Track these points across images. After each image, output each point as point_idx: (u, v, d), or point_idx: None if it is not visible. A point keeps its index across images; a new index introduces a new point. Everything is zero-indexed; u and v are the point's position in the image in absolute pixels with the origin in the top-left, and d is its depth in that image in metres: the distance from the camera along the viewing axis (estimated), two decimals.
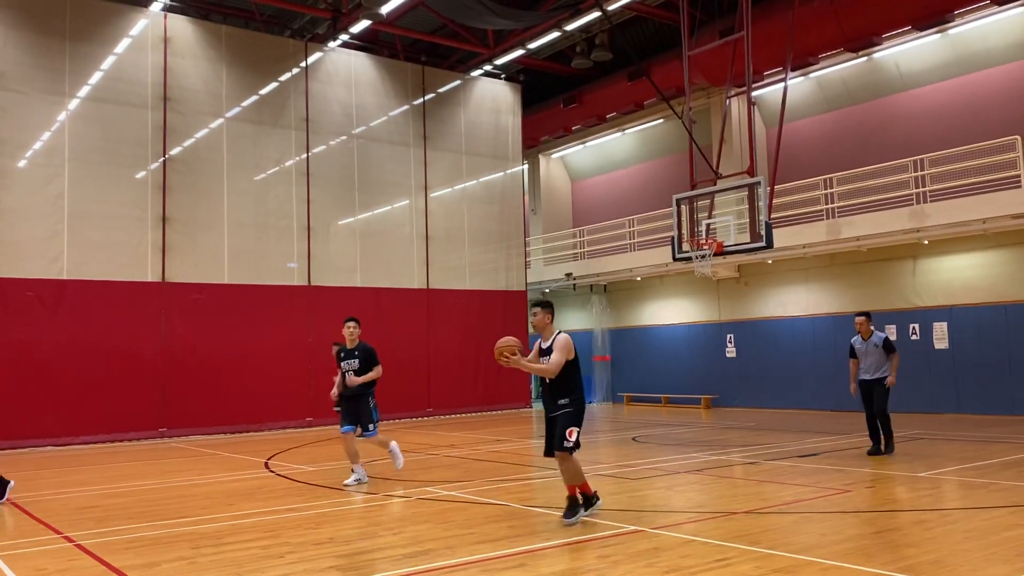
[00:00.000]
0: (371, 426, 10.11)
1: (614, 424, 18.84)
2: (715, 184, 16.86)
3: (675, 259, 17.12)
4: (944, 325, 18.55)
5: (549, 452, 7.66)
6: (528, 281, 24.95)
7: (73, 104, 17.46)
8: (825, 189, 20.18)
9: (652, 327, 25.27)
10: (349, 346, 10.13)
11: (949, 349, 18.44)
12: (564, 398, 7.57)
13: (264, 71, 19.97)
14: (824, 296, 20.85)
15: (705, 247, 16.30)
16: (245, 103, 19.66)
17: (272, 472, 11.92)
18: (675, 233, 16.76)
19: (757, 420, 18.46)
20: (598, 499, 7.75)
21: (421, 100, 22.56)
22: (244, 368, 18.78)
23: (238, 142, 19.43)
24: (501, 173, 24.16)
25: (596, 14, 20.17)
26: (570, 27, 21.21)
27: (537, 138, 27.69)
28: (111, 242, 17.53)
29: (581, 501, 7.55)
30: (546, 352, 7.59)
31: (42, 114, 17.11)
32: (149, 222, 18.03)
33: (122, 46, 18.05)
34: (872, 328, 11.96)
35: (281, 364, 19.11)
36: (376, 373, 10.01)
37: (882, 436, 11.74)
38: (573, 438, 7.45)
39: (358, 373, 9.96)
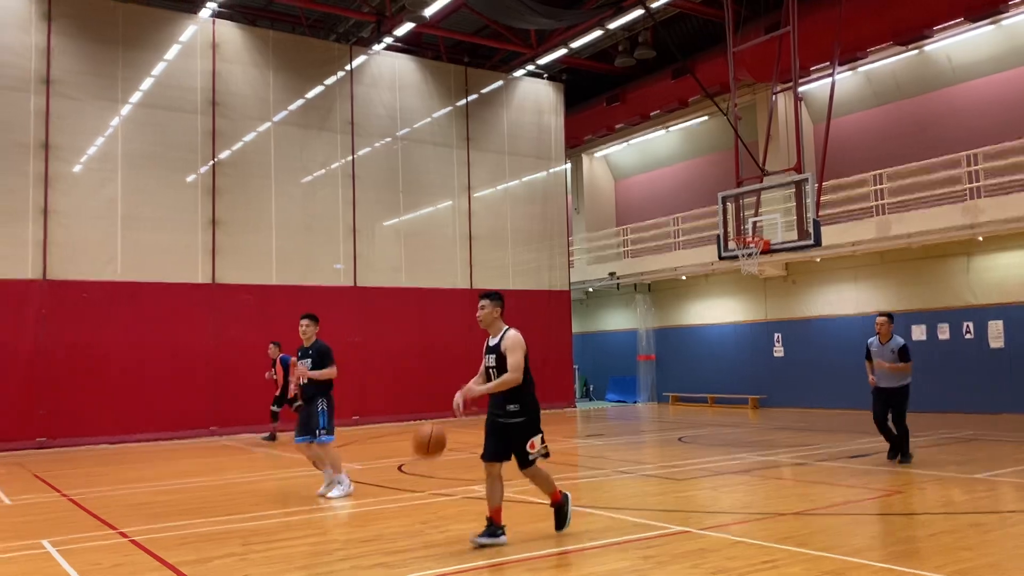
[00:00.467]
0: (319, 431, 9.20)
1: (659, 424, 18.72)
2: (761, 181, 16.64)
3: (721, 258, 16.93)
4: (999, 323, 18.07)
5: (489, 457, 6.72)
6: (571, 280, 24.91)
7: (125, 110, 17.88)
8: (875, 185, 19.80)
9: (697, 326, 25.04)
10: (305, 345, 9.50)
11: (1005, 348, 17.96)
12: (515, 403, 6.65)
13: (310, 75, 20.23)
14: (874, 294, 20.46)
15: (751, 245, 16.10)
16: (292, 107, 19.94)
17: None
18: (721, 231, 16.57)
19: (806, 420, 18.19)
20: (503, 534, 6.61)
21: (464, 101, 22.66)
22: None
23: (285, 145, 19.71)
24: (544, 173, 24.15)
25: (639, 12, 20.06)
26: (613, 25, 21.13)
27: (580, 137, 27.62)
28: (163, 244, 17.91)
29: (567, 506, 6.93)
30: (493, 350, 6.82)
31: (96, 120, 17.55)
32: (199, 224, 18.39)
33: (172, 52, 18.42)
34: (892, 332, 11.02)
35: None
36: (328, 372, 9.27)
37: (899, 446, 10.83)
38: (536, 450, 6.70)
39: None
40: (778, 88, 18.28)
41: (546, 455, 6.82)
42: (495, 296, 7.01)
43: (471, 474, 10.95)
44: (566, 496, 7.01)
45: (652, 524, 7.31)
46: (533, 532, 7.14)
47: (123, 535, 7.51)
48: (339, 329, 19.65)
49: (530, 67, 23.68)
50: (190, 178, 18.49)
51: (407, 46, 22.23)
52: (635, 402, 26.00)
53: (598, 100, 26.13)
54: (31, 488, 10.85)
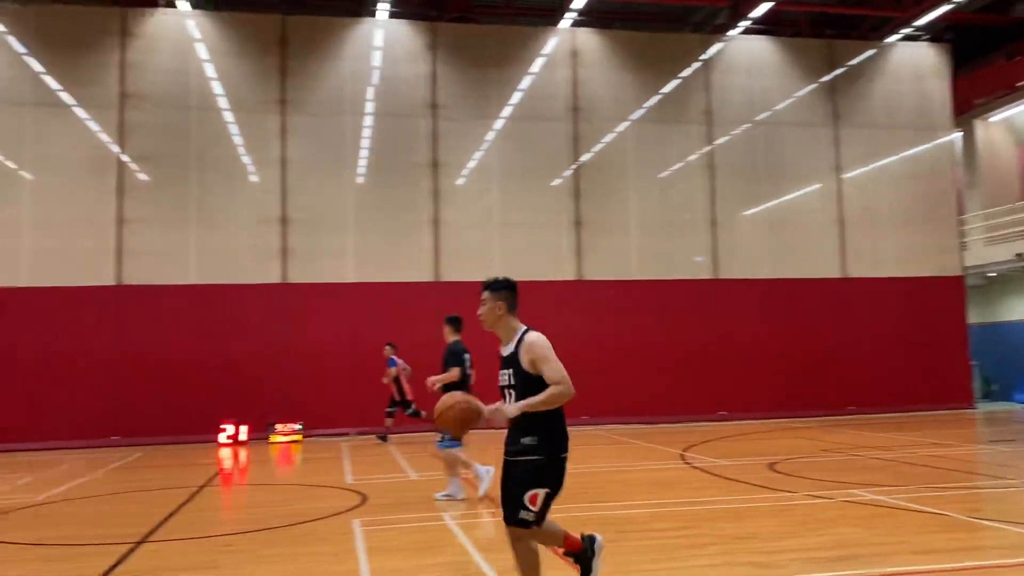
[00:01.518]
0: (443, 435, 8.96)
1: None
2: None
3: None
4: None
5: (509, 519, 4.70)
6: (965, 264, 22.10)
7: (498, 124, 19.49)
8: None
9: None
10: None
11: None
12: (531, 435, 4.65)
13: (665, 70, 20.34)
14: None
15: None
16: (648, 104, 20.21)
17: (687, 464, 12.04)
18: None
19: None
20: None
21: (830, 76, 21.18)
22: (658, 360, 19.28)
23: (642, 142, 20.07)
24: (928, 145, 21.70)
25: None
26: None
27: (971, 101, 24.38)
28: (534, 246, 19.22)
29: (592, 551, 4.96)
30: (508, 362, 4.83)
31: (473, 137, 19.37)
32: (564, 226, 19.43)
33: (537, 65, 19.69)
34: None
35: (690, 359, 19.31)
36: (448, 375, 9.00)
37: None
38: (536, 506, 4.58)
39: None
40: None
41: (535, 521, 4.64)
42: (499, 285, 4.87)
43: (850, 476, 10.17)
44: (591, 539, 5.00)
45: None
46: (924, 544, 6.41)
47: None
48: (702, 323, 19.56)
49: (906, 30, 21.42)
50: (555, 183, 19.60)
51: (764, 27, 21.36)
52: None
53: (994, 57, 22.91)
54: (430, 466, 12.22)
